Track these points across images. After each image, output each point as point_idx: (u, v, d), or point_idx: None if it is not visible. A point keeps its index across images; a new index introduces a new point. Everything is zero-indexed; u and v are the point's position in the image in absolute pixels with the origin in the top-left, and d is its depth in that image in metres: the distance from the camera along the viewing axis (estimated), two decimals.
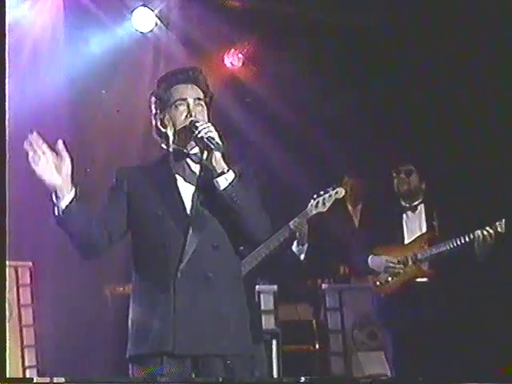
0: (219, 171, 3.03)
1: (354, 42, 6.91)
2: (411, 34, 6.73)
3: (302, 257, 4.82)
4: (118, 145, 7.12)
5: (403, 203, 5.22)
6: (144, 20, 7.10)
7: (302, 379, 3.48)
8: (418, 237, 5.12)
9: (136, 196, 3.14)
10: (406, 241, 5.15)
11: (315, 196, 4.70)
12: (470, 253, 4.90)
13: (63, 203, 3.04)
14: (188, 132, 3.11)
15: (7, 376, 3.37)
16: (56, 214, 3.06)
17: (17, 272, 6.25)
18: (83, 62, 6.95)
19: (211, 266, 3.05)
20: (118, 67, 7.10)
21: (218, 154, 3.03)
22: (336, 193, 4.70)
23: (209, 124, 3.08)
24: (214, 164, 3.04)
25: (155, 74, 6.97)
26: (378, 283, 5.13)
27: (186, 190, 3.11)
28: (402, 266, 5.05)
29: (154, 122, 3.21)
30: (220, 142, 3.03)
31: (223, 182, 3.02)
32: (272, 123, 7.50)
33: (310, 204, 4.69)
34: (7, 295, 5.82)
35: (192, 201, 3.09)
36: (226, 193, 3.02)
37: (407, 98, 6.90)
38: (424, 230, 5.15)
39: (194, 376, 3.08)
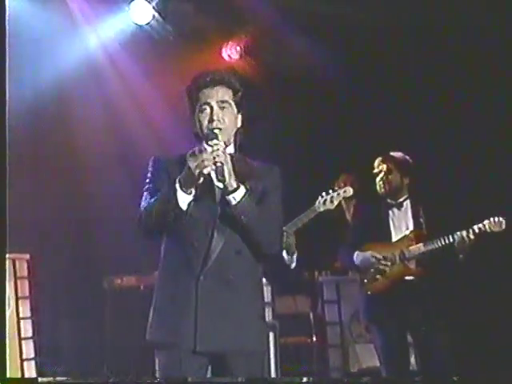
0: (229, 189, 3.18)
1: (350, 34, 6.91)
2: (400, 34, 6.75)
3: (293, 265, 4.92)
4: (115, 135, 7.13)
5: (389, 200, 5.21)
6: (141, 12, 7.09)
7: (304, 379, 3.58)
8: (406, 235, 5.11)
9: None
10: (394, 238, 5.13)
11: (324, 194, 4.80)
12: (457, 251, 4.90)
13: None
14: (207, 141, 3.24)
15: (7, 376, 3.41)
16: None
17: (14, 264, 6.25)
18: (80, 55, 6.95)
19: (233, 270, 3.23)
20: (116, 60, 7.10)
21: (226, 173, 3.15)
22: (344, 191, 4.82)
23: (219, 148, 3.16)
24: (225, 182, 3.18)
25: (152, 66, 6.98)
26: (365, 281, 5.14)
27: (216, 196, 3.27)
28: (388, 262, 5.05)
29: (191, 122, 3.37)
30: (225, 174, 3.14)
31: (232, 199, 3.19)
32: (268, 116, 7.51)
33: (317, 201, 4.79)
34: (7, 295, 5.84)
35: (219, 207, 3.25)
36: (235, 210, 3.19)
37: (394, 91, 6.92)
38: (411, 226, 5.11)
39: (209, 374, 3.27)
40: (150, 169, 3.36)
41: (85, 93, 7.02)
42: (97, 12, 6.96)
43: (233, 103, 3.31)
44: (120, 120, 7.11)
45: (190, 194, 3.17)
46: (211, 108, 3.26)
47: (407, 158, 5.25)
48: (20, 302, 6.26)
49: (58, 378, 5.80)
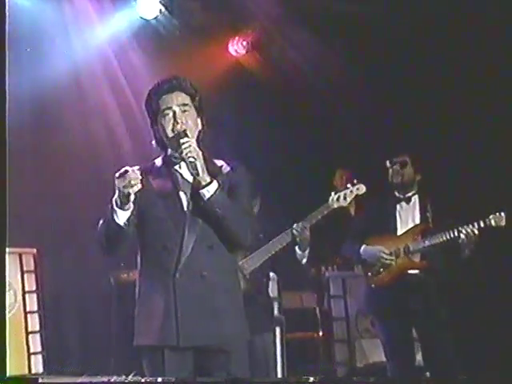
0: (203, 183, 3.26)
1: (356, 31, 6.89)
2: (408, 27, 6.72)
3: (304, 261, 4.95)
4: (121, 133, 7.14)
5: (397, 194, 5.20)
6: (148, 7, 7.08)
7: (311, 379, 3.58)
8: (411, 228, 5.10)
9: (141, 198, 3.30)
10: (399, 232, 5.12)
11: (336, 190, 4.82)
12: (461, 246, 4.89)
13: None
14: (177, 143, 3.32)
15: (7, 374, 3.45)
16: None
17: (21, 259, 6.27)
18: (87, 50, 6.94)
19: (206, 265, 3.29)
20: (122, 54, 7.09)
21: (200, 168, 3.24)
22: (357, 189, 4.83)
23: (190, 145, 3.26)
24: (198, 177, 3.26)
25: (159, 61, 6.98)
26: (369, 274, 5.13)
27: (184, 194, 3.35)
28: (393, 257, 5.05)
29: (151, 132, 3.46)
30: (199, 168, 3.24)
31: (206, 193, 3.27)
32: (275, 111, 7.51)
33: (330, 198, 4.81)
34: (7, 295, 5.85)
35: (187, 204, 3.33)
36: (210, 203, 3.27)
37: (406, 90, 6.88)
38: (417, 221, 5.11)
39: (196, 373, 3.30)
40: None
41: (91, 88, 7.01)
42: (103, 6, 6.95)
43: (192, 107, 3.39)
44: (125, 116, 7.10)
45: (128, 209, 3.22)
46: (174, 112, 3.35)
47: (422, 154, 5.24)
48: (27, 296, 6.29)
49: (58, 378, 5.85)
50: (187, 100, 3.37)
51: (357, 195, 4.90)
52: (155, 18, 7.18)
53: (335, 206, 4.82)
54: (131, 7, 7.08)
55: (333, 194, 4.83)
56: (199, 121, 3.41)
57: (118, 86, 7.15)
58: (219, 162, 3.43)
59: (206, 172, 3.26)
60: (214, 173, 3.32)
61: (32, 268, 6.36)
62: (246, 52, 7.75)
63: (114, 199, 3.22)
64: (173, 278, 3.25)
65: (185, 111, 3.35)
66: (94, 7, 6.92)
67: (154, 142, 3.45)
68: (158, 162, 3.44)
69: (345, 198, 4.82)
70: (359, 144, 7.18)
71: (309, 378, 3.54)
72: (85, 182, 6.86)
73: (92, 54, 6.98)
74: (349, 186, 4.84)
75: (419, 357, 5.27)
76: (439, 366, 4.95)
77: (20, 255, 6.27)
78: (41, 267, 6.39)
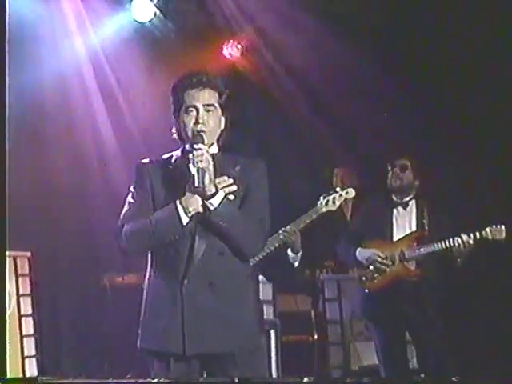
0: (208, 193, 3.19)
1: (353, 33, 6.89)
2: (408, 30, 6.72)
3: (297, 264, 4.93)
4: (116, 133, 7.14)
5: (395, 198, 5.19)
6: (143, 10, 7.09)
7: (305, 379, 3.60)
8: (408, 235, 5.09)
9: (156, 197, 3.31)
10: (395, 237, 5.11)
11: (325, 195, 4.80)
12: (455, 255, 4.89)
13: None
14: (193, 143, 3.26)
15: (8, 375, 3.44)
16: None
17: (16, 262, 6.26)
18: (81, 53, 6.94)
19: (216, 273, 3.25)
20: (117, 57, 7.09)
21: (207, 178, 3.18)
22: (346, 193, 4.81)
23: (203, 153, 3.19)
24: (203, 187, 3.19)
25: (154, 64, 6.99)
26: (363, 278, 5.13)
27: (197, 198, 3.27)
28: (389, 262, 5.05)
29: (172, 119, 3.40)
30: (206, 179, 3.17)
31: (210, 205, 3.21)
32: (270, 113, 7.51)
33: (319, 202, 4.79)
34: (7, 297, 5.84)
35: (200, 210, 3.25)
36: (214, 215, 3.21)
37: (412, 96, 6.88)
38: (413, 227, 5.11)
39: (205, 375, 3.31)
40: (134, 178, 3.38)
41: (86, 91, 7.02)
42: (98, 9, 6.95)
43: (218, 106, 3.33)
44: (122, 118, 7.11)
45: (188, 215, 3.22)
46: (197, 111, 3.28)
47: (422, 159, 5.25)
48: (21, 299, 6.28)
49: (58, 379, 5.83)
50: (213, 99, 3.31)
51: (346, 199, 4.90)
52: (150, 20, 7.19)
53: (324, 210, 4.81)
54: (126, 10, 7.09)
55: (321, 198, 4.82)
56: (223, 119, 3.36)
57: (113, 88, 7.15)
58: (239, 159, 3.39)
59: (212, 182, 3.20)
60: (228, 174, 3.26)
61: (26, 271, 6.35)
62: (241, 55, 7.75)
63: (180, 202, 3.19)
64: (181, 284, 3.21)
65: (209, 111, 3.29)
66: (89, 10, 6.93)
67: (174, 131, 3.40)
68: (177, 154, 3.39)
69: (334, 202, 4.81)
70: (360, 146, 7.17)
71: (303, 379, 3.55)
72: (80, 186, 6.86)
73: (86, 56, 6.98)
74: (338, 189, 4.83)
75: (413, 361, 5.29)
76: (432, 370, 4.96)
77: (15, 259, 6.26)
78: (35, 271, 6.39)
